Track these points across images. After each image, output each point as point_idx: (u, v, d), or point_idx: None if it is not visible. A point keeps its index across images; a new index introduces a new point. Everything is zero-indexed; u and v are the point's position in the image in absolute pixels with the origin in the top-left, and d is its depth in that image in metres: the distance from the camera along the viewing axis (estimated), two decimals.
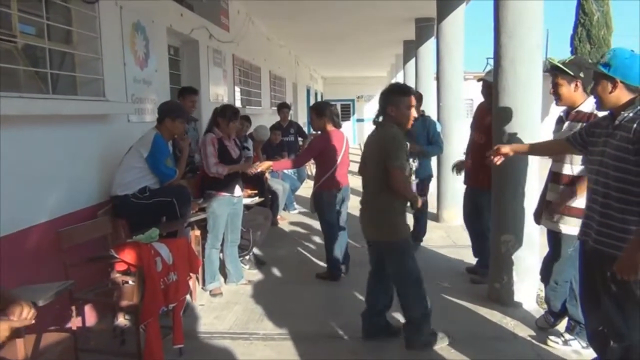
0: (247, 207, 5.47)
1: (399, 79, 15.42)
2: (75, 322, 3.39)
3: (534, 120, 4.20)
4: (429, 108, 7.80)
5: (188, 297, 4.09)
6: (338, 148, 5.02)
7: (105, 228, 3.89)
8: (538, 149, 3.50)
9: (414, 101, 3.51)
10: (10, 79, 3.53)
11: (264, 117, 10.24)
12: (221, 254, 5.01)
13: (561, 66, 3.42)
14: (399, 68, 15.29)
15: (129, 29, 4.79)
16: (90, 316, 3.99)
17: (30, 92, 3.57)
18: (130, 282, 3.43)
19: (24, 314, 2.03)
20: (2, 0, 3.41)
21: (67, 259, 3.41)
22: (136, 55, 4.93)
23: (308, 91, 19.97)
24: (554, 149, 3.40)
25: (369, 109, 26.59)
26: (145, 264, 3.27)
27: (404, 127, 3.49)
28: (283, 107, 8.83)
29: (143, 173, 4.13)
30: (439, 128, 6.04)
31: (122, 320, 3.93)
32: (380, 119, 3.55)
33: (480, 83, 4.89)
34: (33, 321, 2.06)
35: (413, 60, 11.37)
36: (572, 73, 3.39)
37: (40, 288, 2.67)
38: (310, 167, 12.70)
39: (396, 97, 3.48)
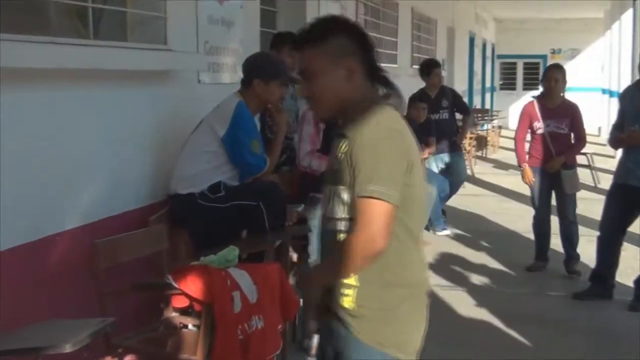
0: None
1: (625, 23, 14.77)
2: None
3: None
4: None
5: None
6: None
7: (160, 242, 4.07)
8: None
9: None
10: (38, 18, 3.77)
11: (401, 80, 10.22)
12: None
13: None
14: (626, 5, 14.65)
15: None
16: None
17: (64, 35, 3.77)
18: (191, 326, 3.57)
19: None
20: None
21: (105, 284, 3.60)
22: None
23: (472, 40, 19.71)
24: None
25: (573, 71, 25.70)
26: (217, 301, 3.38)
27: None
28: (431, 67, 8.76)
29: (217, 162, 4.28)
30: None
31: None
32: None
33: None
34: None
35: None
36: None
37: (68, 325, 2.85)
38: (472, 163, 12.55)
39: None
